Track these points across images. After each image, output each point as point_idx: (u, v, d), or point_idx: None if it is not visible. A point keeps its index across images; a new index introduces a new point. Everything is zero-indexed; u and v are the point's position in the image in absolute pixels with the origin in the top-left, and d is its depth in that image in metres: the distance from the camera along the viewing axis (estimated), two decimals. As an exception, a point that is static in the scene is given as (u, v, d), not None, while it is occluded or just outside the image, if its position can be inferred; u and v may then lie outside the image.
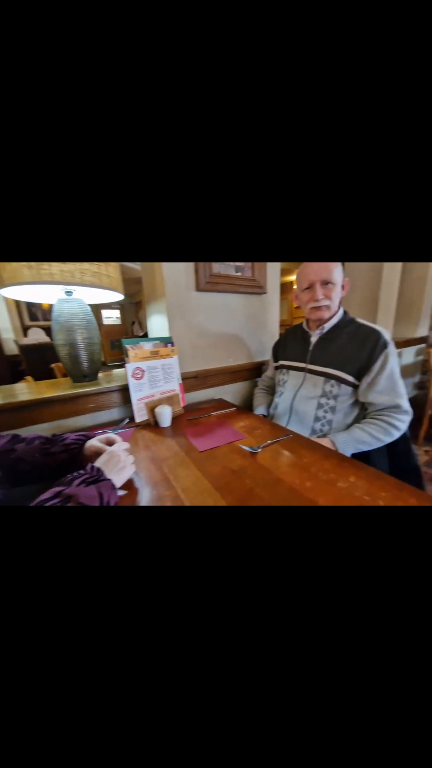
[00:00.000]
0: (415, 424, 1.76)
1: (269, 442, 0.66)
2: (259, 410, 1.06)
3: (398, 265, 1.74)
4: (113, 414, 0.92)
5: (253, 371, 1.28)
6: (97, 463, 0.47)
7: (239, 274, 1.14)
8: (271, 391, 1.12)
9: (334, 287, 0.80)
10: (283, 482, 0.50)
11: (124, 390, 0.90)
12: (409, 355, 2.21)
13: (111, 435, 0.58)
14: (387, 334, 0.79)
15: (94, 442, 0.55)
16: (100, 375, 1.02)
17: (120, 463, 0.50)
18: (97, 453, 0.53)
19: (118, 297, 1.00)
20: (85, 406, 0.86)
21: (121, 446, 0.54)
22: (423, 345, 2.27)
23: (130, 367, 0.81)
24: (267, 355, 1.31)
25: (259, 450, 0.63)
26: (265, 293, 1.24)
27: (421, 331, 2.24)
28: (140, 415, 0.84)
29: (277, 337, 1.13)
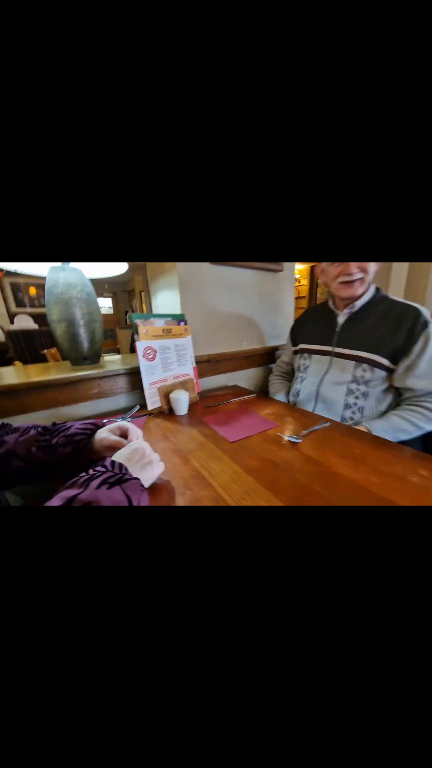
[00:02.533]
0: None
1: (307, 430, 0.58)
2: (278, 397, 0.97)
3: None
4: (118, 401, 0.81)
5: (266, 356, 1.18)
6: (117, 459, 0.37)
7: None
8: (289, 377, 1.04)
9: (372, 257, 0.71)
10: (341, 477, 0.42)
11: (132, 374, 0.78)
12: None
13: (123, 423, 0.47)
14: (427, 313, 0.71)
15: (106, 435, 0.44)
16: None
17: (145, 458, 0.39)
18: (112, 447, 0.43)
19: (121, 269, 0.87)
20: (87, 392, 0.74)
21: (142, 441, 0.43)
22: None
23: (141, 345, 0.69)
24: (281, 340, 1.22)
25: (300, 440, 0.54)
26: (281, 271, 1.14)
27: None
28: (152, 402, 0.73)
29: (291, 321, 1.03)
